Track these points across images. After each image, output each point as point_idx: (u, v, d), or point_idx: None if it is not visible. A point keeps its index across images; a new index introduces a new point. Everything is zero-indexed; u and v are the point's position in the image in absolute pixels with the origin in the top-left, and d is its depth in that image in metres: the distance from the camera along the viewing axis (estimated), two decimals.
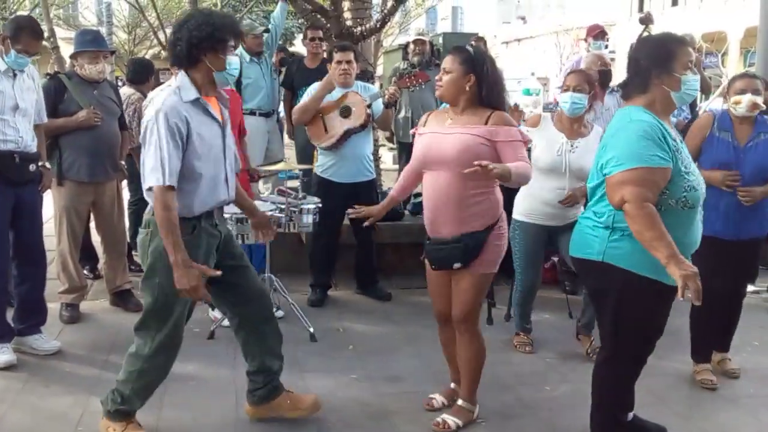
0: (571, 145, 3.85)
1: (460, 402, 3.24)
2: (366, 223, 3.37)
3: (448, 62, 3.01)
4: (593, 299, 2.95)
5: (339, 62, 4.70)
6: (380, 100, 4.78)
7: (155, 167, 2.69)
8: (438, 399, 3.39)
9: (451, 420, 3.17)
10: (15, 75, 3.74)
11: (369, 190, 4.95)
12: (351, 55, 4.73)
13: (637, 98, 2.66)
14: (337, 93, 4.76)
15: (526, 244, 4.02)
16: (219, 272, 2.81)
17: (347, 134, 4.72)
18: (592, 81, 3.98)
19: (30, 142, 3.80)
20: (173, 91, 2.79)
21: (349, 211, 3.38)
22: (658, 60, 2.61)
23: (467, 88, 2.97)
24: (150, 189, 2.73)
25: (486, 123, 2.96)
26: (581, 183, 3.79)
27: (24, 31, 3.72)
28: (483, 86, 2.97)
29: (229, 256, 3.06)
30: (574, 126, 3.89)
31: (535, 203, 3.92)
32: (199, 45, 2.75)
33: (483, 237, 2.98)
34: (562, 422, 3.31)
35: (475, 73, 2.97)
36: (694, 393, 3.68)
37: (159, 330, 2.88)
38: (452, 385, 3.42)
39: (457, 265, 3.01)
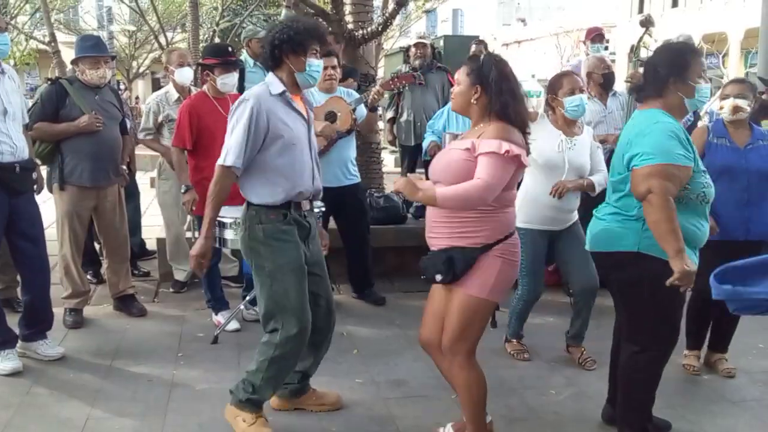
0: (570, 142, 3.82)
1: None
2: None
3: (459, 73, 2.87)
4: (623, 294, 2.94)
5: (325, 68, 4.69)
6: (363, 105, 4.82)
7: (225, 147, 2.93)
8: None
9: None
10: None
11: (354, 194, 4.96)
12: (335, 61, 4.77)
13: (652, 102, 2.80)
14: (321, 99, 4.76)
15: (527, 252, 3.81)
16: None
17: (334, 139, 4.73)
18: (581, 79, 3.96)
19: (24, 149, 3.76)
20: (261, 84, 3.02)
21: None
22: (675, 68, 2.77)
23: (473, 101, 2.79)
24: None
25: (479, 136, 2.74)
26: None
27: None
28: (489, 97, 2.75)
29: (312, 261, 3.14)
30: (571, 127, 3.87)
31: (535, 208, 3.83)
32: (280, 47, 2.98)
33: (474, 254, 2.74)
34: (569, 426, 3.31)
35: (481, 85, 2.76)
36: (699, 395, 3.67)
37: (285, 317, 2.98)
38: (464, 418, 3.08)
39: (438, 277, 2.79)
